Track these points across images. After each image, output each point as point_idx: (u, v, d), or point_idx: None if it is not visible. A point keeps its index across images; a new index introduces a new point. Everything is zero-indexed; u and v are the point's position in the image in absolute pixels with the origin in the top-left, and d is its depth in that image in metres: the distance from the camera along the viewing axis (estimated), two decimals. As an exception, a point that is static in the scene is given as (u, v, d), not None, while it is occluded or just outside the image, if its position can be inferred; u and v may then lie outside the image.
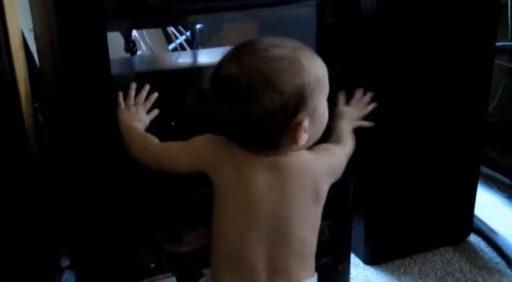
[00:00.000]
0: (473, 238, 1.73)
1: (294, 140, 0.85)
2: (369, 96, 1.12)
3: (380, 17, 1.36)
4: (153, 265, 1.13)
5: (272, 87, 0.80)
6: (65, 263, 1.48)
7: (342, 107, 1.09)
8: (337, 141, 1.03)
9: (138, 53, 1.44)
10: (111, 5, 0.90)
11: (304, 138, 0.85)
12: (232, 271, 0.89)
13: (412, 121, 1.49)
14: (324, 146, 0.97)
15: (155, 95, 1.01)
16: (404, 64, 1.42)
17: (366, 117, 1.13)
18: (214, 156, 0.89)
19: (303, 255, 0.91)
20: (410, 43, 1.40)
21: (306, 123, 0.84)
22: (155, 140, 0.97)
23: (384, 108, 1.42)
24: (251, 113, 0.81)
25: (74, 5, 0.89)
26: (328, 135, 1.01)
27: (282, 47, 0.84)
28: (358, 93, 1.12)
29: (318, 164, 0.92)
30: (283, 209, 0.87)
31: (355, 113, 1.10)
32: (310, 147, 0.92)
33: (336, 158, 0.98)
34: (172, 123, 1.02)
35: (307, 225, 0.91)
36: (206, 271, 0.95)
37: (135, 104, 1.00)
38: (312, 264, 0.93)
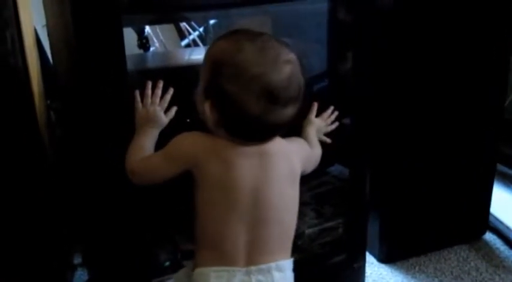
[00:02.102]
0: (489, 236, 1.72)
1: None
2: (335, 114, 1.17)
3: (396, 13, 1.34)
4: (167, 263, 1.12)
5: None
6: (78, 260, 1.48)
7: (313, 116, 1.14)
8: None
9: (151, 49, 1.44)
10: (127, 0, 0.89)
11: None
12: (212, 252, 0.91)
13: (428, 118, 1.47)
14: (296, 137, 1.05)
15: (170, 93, 1.00)
16: (420, 61, 1.40)
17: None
18: (203, 152, 0.90)
19: (281, 237, 0.94)
20: (427, 40, 1.38)
21: None
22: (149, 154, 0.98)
23: (399, 106, 1.42)
24: (295, 114, 0.90)
25: (90, 1, 0.88)
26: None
27: (289, 48, 0.90)
28: (329, 109, 1.17)
29: (291, 148, 0.98)
30: (264, 191, 0.91)
31: (322, 126, 1.15)
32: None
33: (306, 148, 1.04)
34: (187, 120, 1.01)
35: (286, 208, 0.95)
36: (186, 262, 0.97)
37: (152, 104, 0.99)
38: (289, 246, 0.96)
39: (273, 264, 0.91)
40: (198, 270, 0.91)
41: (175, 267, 1.11)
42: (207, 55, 0.90)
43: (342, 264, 1.34)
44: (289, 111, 0.88)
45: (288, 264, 0.94)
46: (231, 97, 0.85)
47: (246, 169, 0.90)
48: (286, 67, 0.87)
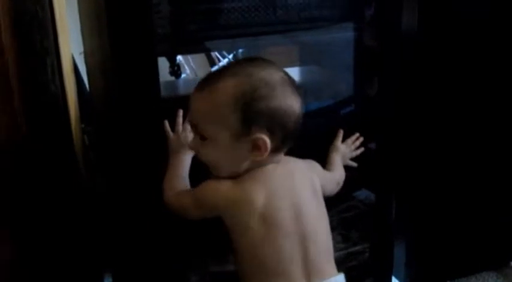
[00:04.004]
0: (517, 263, 1.69)
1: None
2: (360, 140, 1.20)
3: (420, 37, 1.35)
4: (197, 285, 1.14)
5: None
6: (108, 280, 1.50)
7: (338, 142, 1.17)
8: (328, 170, 1.12)
9: (183, 76, 1.48)
10: (162, 31, 0.94)
11: None
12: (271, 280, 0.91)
13: (455, 143, 1.47)
14: (307, 159, 1.05)
15: None
16: (445, 85, 1.40)
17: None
18: (233, 202, 0.91)
19: (328, 251, 0.97)
20: (452, 64, 1.39)
21: None
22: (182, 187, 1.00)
23: (424, 130, 1.43)
24: None
25: (127, 31, 0.92)
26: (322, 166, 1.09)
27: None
28: (354, 135, 1.20)
29: (305, 166, 1.01)
30: (301, 205, 0.93)
31: (347, 151, 1.18)
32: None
33: (319, 167, 1.06)
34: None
35: (324, 222, 0.97)
36: None
37: (184, 130, 1.02)
38: (333, 261, 0.98)
39: (332, 280, 0.94)
40: None
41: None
42: (220, 103, 0.88)
43: (368, 288, 1.34)
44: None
45: (342, 279, 0.97)
46: (279, 109, 0.89)
47: (279, 190, 0.92)
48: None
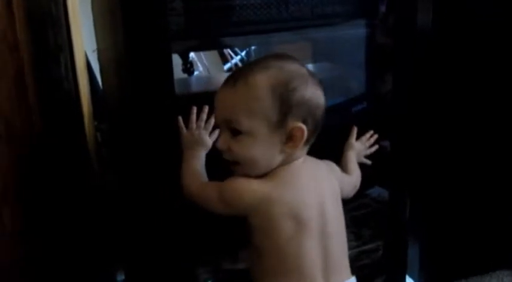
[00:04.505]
0: (532, 262, 1.67)
1: None
2: (374, 137, 1.19)
3: (434, 34, 1.35)
4: (209, 281, 1.14)
5: None
6: (121, 277, 1.51)
7: (352, 140, 1.16)
8: (344, 170, 1.11)
9: (195, 73, 1.48)
10: (176, 28, 0.94)
11: None
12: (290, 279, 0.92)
13: (469, 139, 1.47)
14: (326, 160, 1.05)
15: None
16: (459, 81, 1.40)
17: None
18: (261, 200, 0.91)
19: (344, 252, 0.98)
20: (466, 61, 1.39)
21: None
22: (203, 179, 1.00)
23: (438, 127, 1.42)
24: None
25: (142, 28, 0.92)
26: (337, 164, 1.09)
27: None
28: (369, 133, 1.19)
29: (326, 167, 1.01)
30: (325, 204, 0.94)
31: (361, 149, 1.17)
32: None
33: (337, 169, 1.06)
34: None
35: (342, 225, 0.99)
36: None
37: (197, 128, 1.02)
38: (348, 264, 0.99)
39: None
40: None
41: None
42: (257, 95, 0.89)
43: (382, 287, 1.34)
44: None
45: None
46: (311, 99, 0.92)
47: (306, 189, 0.93)
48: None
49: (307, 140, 0.93)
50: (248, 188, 0.92)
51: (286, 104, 0.89)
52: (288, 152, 0.92)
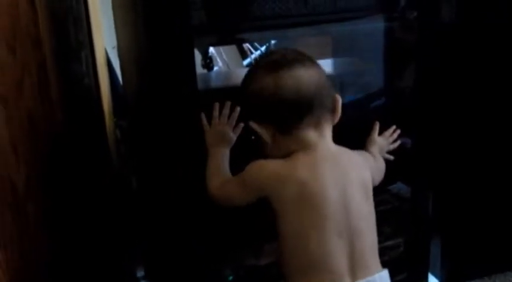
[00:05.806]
0: (556, 259, 1.64)
1: None
2: (397, 133, 1.18)
3: (456, 28, 1.33)
4: (231, 277, 1.14)
5: None
6: (140, 273, 1.52)
7: (375, 135, 1.15)
8: None
9: (215, 68, 1.48)
10: (197, 22, 0.93)
11: None
12: (316, 275, 0.90)
13: (493, 135, 1.44)
14: (361, 150, 1.07)
15: (237, 111, 1.02)
16: (482, 76, 1.38)
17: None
18: (277, 179, 0.92)
19: (373, 247, 0.96)
20: (488, 55, 1.36)
21: None
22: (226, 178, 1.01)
23: (462, 122, 1.40)
24: None
25: (163, 24, 0.92)
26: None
27: None
28: (391, 128, 1.18)
29: (359, 160, 1.00)
30: (350, 199, 0.93)
31: (384, 144, 1.16)
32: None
33: (371, 160, 1.06)
34: (252, 138, 1.04)
35: (371, 218, 0.97)
36: None
37: (221, 124, 1.02)
38: (378, 258, 0.97)
39: (376, 276, 0.93)
40: None
41: (238, 282, 1.13)
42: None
43: (404, 284, 1.33)
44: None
45: (386, 274, 0.96)
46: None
47: (327, 178, 0.92)
48: None
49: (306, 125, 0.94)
50: (263, 166, 0.94)
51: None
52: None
